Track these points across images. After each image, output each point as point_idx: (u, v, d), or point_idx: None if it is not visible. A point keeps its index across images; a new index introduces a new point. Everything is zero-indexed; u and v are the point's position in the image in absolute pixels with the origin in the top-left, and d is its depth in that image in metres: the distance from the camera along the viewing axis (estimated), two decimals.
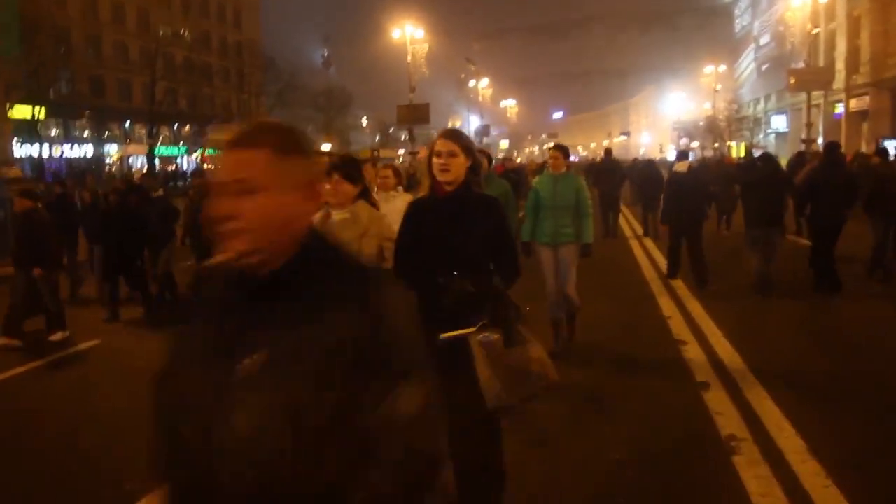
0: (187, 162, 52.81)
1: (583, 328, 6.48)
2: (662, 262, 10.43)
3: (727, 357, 5.94)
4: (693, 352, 6.18)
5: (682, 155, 10.33)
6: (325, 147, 51.82)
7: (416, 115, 31.26)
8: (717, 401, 4.93)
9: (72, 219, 10.44)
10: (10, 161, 27.34)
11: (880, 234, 8.59)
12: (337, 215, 3.61)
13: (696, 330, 6.89)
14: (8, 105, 33.37)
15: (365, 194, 3.80)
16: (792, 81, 28.97)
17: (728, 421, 4.56)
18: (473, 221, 2.88)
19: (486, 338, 2.63)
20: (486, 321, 2.67)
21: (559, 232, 5.93)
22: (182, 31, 49.74)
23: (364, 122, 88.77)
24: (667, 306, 8.01)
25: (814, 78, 29.23)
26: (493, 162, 11.46)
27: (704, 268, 8.73)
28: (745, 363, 5.73)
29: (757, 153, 33.01)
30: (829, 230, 8.08)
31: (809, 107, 27.85)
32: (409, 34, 32.77)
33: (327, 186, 3.53)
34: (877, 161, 10.53)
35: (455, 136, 3.02)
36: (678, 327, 7.08)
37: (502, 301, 2.84)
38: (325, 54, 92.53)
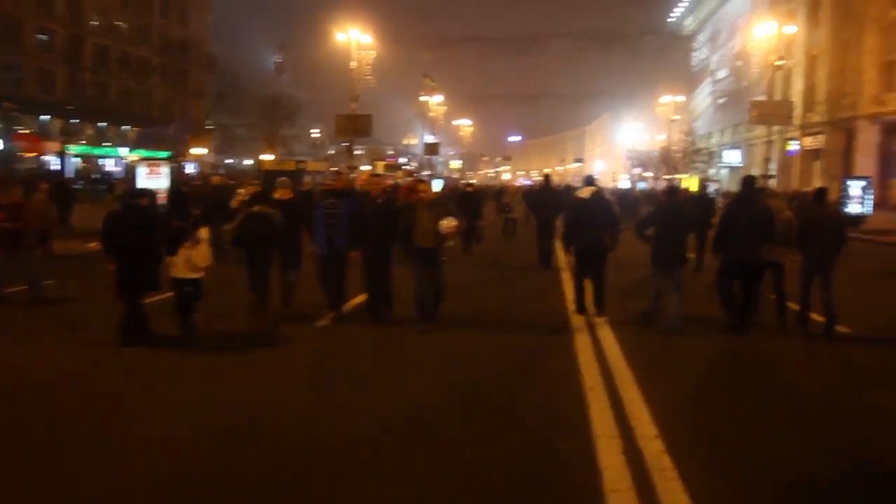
0: (116, 163, 48.94)
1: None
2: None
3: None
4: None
5: (589, 181, 9.64)
6: (267, 157, 48.98)
7: (356, 125, 28.89)
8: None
9: None
10: None
11: (809, 276, 8.30)
12: None
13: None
14: None
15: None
16: (754, 114, 27.67)
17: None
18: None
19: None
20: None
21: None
22: (118, 23, 46.27)
23: (317, 133, 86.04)
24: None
25: (775, 111, 28.06)
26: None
27: (602, 295, 8.83)
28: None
29: (712, 187, 31.88)
30: (744, 264, 7.96)
31: (770, 141, 26.55)
32: (354, 39, 30.40)
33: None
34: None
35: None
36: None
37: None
38: (278, 60, 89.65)
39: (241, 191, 13.87)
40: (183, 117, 47.77)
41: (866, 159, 38.00)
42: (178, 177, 27.25)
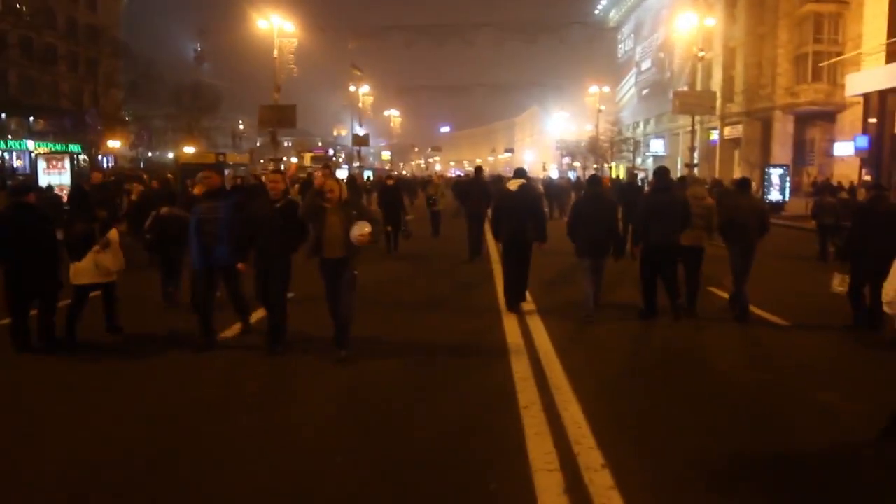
0: (17, 157, 45.58)
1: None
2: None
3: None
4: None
5: (519, 173, 9.35)
6: (188, 149, 46.82)
7: (280, 116, 27.78)
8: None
9: None
10: None
11: (736, 264, 8.45)
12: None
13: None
14: None
15: None
16: (676, 104, 28.17)
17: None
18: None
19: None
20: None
21: None
22: (18, 5, 42.91)
23: (241, 125, 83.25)
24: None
25: (698, 101, 28.66)
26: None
27: (523, 288, 8.78)
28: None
29: (640, 175, 32.45)
30: (662, 251, 8.20)
31: (693, 130, 27.11)
32: (276, 26, 29.17)
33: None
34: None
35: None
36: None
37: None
38: (198, 48, 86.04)
39: (129, 187, 12.97)
40: (94, 108, 44.91)
41: (782, 148, 39.57)
42: (88, 171, 25.47)
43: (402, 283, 11.14)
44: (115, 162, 52.65)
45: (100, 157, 49.06)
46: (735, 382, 6.10)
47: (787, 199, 23.35)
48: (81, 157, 47.02)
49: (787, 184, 23.31)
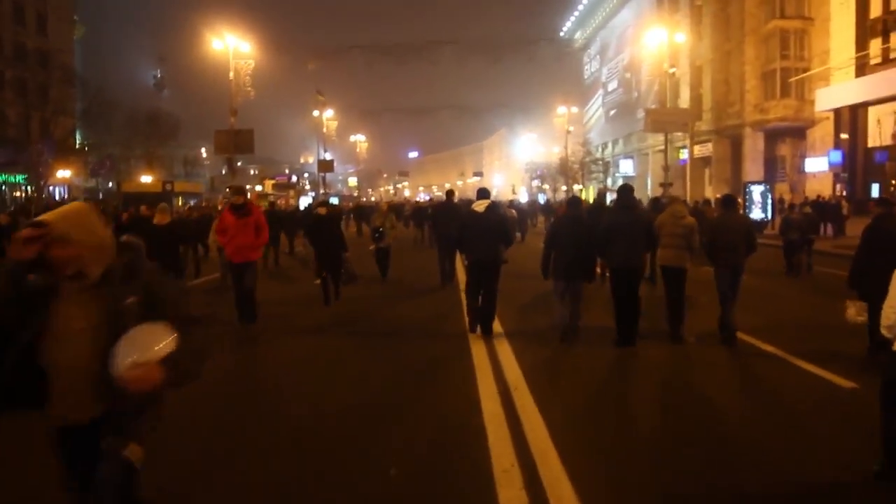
0: None
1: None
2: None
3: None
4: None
5: (483, 193, 9.02)
6: (146, 179, 44.82)
7: (237, 142, 26.21)
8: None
9: None
10: None
11: (722, 285, 8.08)
12: None
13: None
14: None
15: None
16: (648, 121, 27.34)
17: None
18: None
19: None
20: None
21: None
22: None
23: (204, 153, 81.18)
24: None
25: (671, 118, 27.88)
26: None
27: (492, 311, 8.46)
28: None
29: (610, 197, 31.56)
30: (625, 271, 7.91)
31: (667, 150, 26.25)
32: (231, 47, 27.72)
33: None
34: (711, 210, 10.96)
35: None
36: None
37: None
38: (158, 75, 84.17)
39: None
40: (44, 136, 42.74)
41: (753, 165, 39.17)
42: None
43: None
44: (69, 193, 50.31)
45: (50, 187, 46.82)
46: (720, 413, 5.67)
47: (769, 217, 22.45)
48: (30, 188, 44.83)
49: (770, 201, 22.41)
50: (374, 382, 6.57)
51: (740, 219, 8.75)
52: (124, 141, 49.66)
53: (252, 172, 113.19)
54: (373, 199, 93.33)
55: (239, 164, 58.12)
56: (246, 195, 9.33)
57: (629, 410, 5.78)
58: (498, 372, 6.69)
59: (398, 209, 31.48)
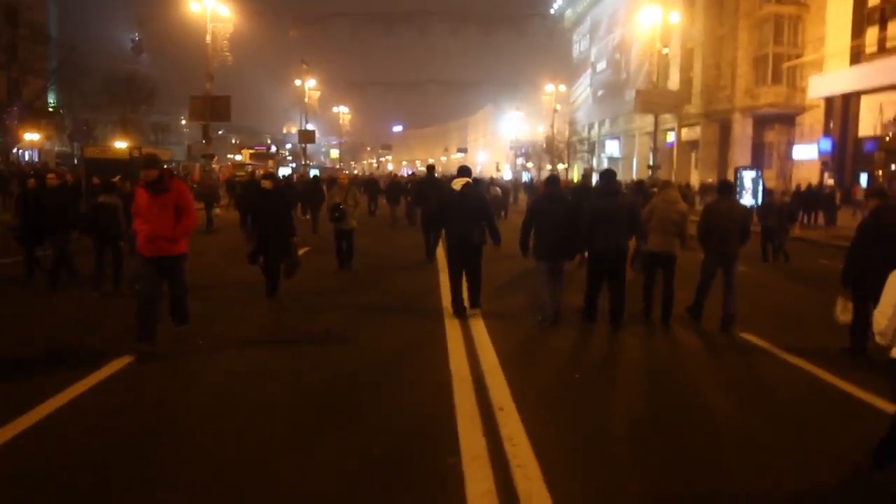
0: None
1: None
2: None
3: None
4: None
5: (464, 171, 8.74)
6: (121, 144, 43.27)
7: (213, 108, 25.14)
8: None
9: None
10: None
11: (706, 272, 8.06)
12: None
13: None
14: None
15: None
16: (638, 101, 26.62)
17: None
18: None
19: None
20: None
21: None
22: None
23: (183, 121, 79.18)
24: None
25: (661, 100, 27.18)
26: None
27: (478, 285, 8.36)
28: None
29: (595, 177, 30.96)
30: (607, 257, 7.76)
31: (656, 132, 25.57)
32: (209, 9, 26.44)
33: None
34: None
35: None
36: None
37: None
38: (136, 38, 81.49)
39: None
40: (11, 97, 40.96)
41: (741, 150, 38.76)
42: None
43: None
44: (39, 157, 48.61)
45: (18, 151, 45.07)
46: (704, 406, 5.43)
47: (759, 203, 21.98)
48: None
49: (761, 187, 21.92)
50: (338, 369, 6.04)
51: (737, 207, 8.46)
52: (98, 104, 47.88)
53: (234, 141, 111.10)
54: (355, 171, 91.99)
55: (220, 132, 56.43)
56: (159, 166, 6.29)
57: (608, 399, 5.53)
58: (472, 356, 6.39)
59: (365, 183, 28.56)
